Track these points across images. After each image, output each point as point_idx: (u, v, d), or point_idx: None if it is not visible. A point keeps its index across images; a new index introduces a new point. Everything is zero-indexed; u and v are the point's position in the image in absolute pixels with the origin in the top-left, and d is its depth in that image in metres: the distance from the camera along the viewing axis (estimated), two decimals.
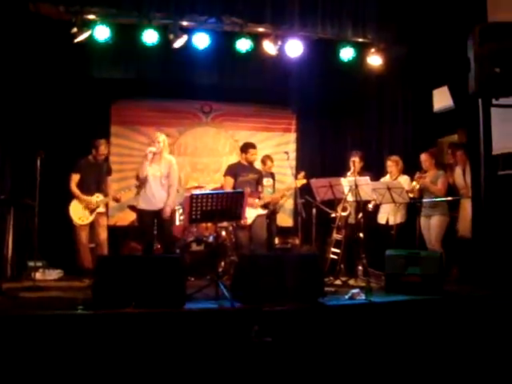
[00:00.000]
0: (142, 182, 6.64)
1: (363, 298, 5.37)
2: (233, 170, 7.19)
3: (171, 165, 6.71)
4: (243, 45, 7.34)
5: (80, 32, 6.82)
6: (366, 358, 4.85)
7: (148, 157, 6.53)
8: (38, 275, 6.83)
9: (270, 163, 8.24)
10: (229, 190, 6.89)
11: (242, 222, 6.64)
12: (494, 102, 5.48)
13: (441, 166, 7.45)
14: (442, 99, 7.93)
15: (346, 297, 5.44)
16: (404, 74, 8.23)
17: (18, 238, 7.19)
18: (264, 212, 7.09)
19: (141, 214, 6.75)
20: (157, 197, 6.60)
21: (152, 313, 4.53)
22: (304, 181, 7.47)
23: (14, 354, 4.14)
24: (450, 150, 7.83)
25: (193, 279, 6.99)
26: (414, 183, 7.13)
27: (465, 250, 6.91)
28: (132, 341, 4.35)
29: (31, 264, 6.88)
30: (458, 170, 7.25)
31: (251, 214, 6.69)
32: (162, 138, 6.70)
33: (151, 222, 6.62)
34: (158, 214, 6.59)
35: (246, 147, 7.30)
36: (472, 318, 5.22)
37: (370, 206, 7.39)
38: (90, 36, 6.92)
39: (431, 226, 7.18)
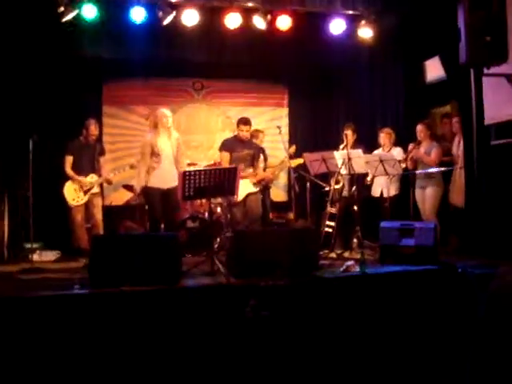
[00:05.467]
0: (155, 158, 6.53)
1: (358, 269, 5.41)
2: (228, 145, 7.12)
3: (179, 142, 6.69)
4: (232, 20, 7.29)
5: (67, 11, 6.76)
6: (361, 330, 4.91)
7: (160, 132, 6.51)
8: (35, 257, 6.83)
9: (262, 136, 8.21)
10: (225, 165, 6.83)
11: (232, 199, 6.63)
12: (486, 71, 5.48)
13: (434, 137, 7.45)
14: (434, 70, 7.91)
15: (341, 269, 5.47)
16: (395, 45, 8.19)
17: (13, 220, 7.20)
18: (256, 190, 7.08)
19: (150, 191, 6.58)
20: (169, 175, 6.52)
21: (148, 290, 4.56)
22: (300, 160, 7.45)
23: (13, 336, 4.18)
24: (445, 119, 7.84)
25: (189, 256, 7.02)
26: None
27: (459, 219, 6.95)
28: (129, 318, 4.39)
29: (28, 246, 6.90)
30: (455, 139, 7.24)
31: (241, 191, 6.67)
32: (170, 113, 6.65)
33: (160, 200, 6.54)
34: (167, 192, 6.53)
35: (238, 123, 7.18)
36: (467, 287, 5.27)
37: (368, 179, 7.42)
38: (78, 15, 6.86)
39: (426, 197, 7.20)
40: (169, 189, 6.52)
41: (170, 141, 6.55)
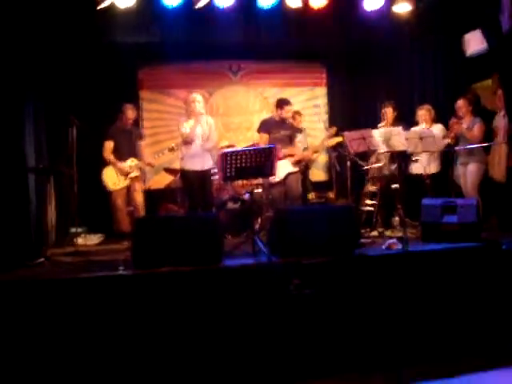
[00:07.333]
0: (186, 143, 6.62)
1: (400, 247, 5.36)
2: (266, 126, 7.11)
3: (211, 125, 6.73)
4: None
5: None
6: (404, 308, 4.87)
7: (191, 116, 6.59)
8: (80, 240, 7.01)
9: (299, 118, 8.17)
10: (264, 146, 6.82)
11: (270, 179, 6.62)
12: None
13: (476, 112, 7.26)
14: (474, 43, 7.72)
15: (383, 247, 5.43)
16: (434, 19, 8.01)
17: (59, 206, 7.36)
18: (296, 169, 7.04)
19: (186, 174, 6.72)
20: (202, 157, 6.63)
21: (190, 271, 4.61)
22: (339, 139, 7.35)
23: (61, 315, 4.29)
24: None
25: (230, 237, 7.06)
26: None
27: (500, 195, 6.79)
28: (172, 298, 4.45)
29: (73, 230, 7.06)
30: (500, 113, 7.04)
31: (281, 171, 6.64)
32: (200, 98, 6.70)
33: (196, 182, 6.63)
34: (202, 174, 6.63)
35: (282, 104, 7.12)
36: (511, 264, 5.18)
37: (413, 158, 7.30)
38: (113, 2, 6.92)
39: (468, 173, 7.06)
40: (204, 170, 6.61)
41: (200, 125, 6.59)
